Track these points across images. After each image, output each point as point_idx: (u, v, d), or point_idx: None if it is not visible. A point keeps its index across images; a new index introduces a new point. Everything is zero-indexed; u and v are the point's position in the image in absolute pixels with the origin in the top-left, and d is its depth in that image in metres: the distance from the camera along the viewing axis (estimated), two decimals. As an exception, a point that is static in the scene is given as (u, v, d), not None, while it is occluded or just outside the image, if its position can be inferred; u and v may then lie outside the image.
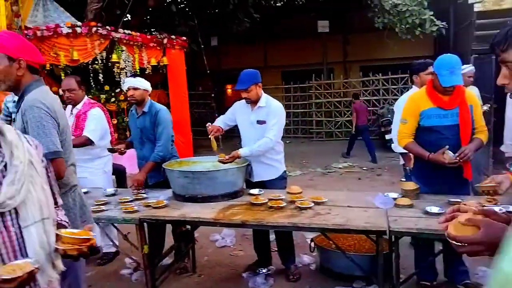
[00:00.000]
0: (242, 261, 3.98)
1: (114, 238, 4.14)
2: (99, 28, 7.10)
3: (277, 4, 14.38)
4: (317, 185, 6.66)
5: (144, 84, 3.53)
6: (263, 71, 15.15)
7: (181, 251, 3.70)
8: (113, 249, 4.13)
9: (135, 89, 3.51)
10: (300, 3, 14.75)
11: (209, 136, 3.44)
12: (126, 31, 7.50)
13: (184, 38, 8.59)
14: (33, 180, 1.36)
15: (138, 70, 7.82)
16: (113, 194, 3.53)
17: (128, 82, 3.54)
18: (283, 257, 3.62)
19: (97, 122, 3.81)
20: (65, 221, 1.60)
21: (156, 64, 8.22)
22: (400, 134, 3.15)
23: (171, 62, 8.49)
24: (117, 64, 7.52)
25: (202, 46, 9.96)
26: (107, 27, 7.21)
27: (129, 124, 3.76)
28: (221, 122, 3.63)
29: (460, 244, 1.13)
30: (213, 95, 11.97)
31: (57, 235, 1.40)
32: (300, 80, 14.74)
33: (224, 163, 3.25)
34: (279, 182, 3.48)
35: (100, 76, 7.33)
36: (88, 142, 3.74)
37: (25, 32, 6.56)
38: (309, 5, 14.62)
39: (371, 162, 9.01)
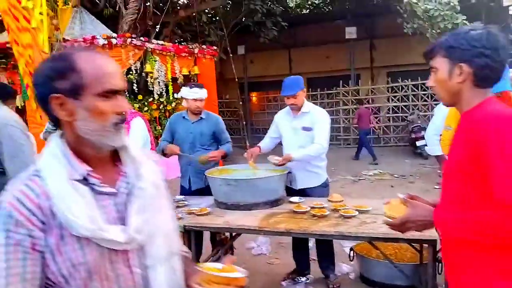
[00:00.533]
0: (279, 269, 3.98)
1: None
2: (133, 39, 7.29)
3: (303, 12, 14.49)
4: (350, 193, 6.61)
5: (205, 94, 3.66)
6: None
7: (219, 259, 3.73)
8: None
9: (202, 100, 3.62)
10: (327, 10, 14.81)
11: (249, 163, 3.48)
12: (159, 42, 7.69)
13: (215, 47, 8.73)
14: (161, 206, 1.10)
15: (170, 80, 7.99)
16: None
17: (195, 93, 3.58)
18: (323, 266, 3.60)
19: (138, 132, 3.90)
20: (185, 251, 1.26)
21: (187, 73, 8.37)
22: (443, 141, 3.11)
23: (202, 71, 8.63)
24: (151, 74, 7.69)
25: (231, 55, 10.07)
26: (141, 38, 7.40)
27: (175, 129, 3.79)
28: (268, 139, 3.71)
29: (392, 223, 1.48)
30: (240, 102, 12.07)
31: (194, 271, 1.12)
32: (327, 87, 14.69)
33: (278, 165, 3.26)
34: (322, 190, 3.48)
35: (135, 86, 7.50)
36: None
37: (64, 44, 6.80)
38: (335, 11, 14.66)
39: (373, 163, 9.76)
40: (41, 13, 5.47)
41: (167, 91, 8.09)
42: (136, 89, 7.60)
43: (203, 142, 3.69)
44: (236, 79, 10.78)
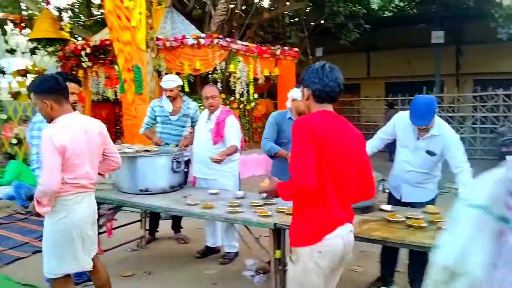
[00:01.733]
0: (362, 277, 3.88)
1: (235, 240, 4.34)
2: (220, 40, 7.54)
3: (386, 15, 14.02)
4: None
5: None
6: (365, 82, 14.82)
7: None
8: (234, 250, 4.32)
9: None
10: (411, 13, 14.20)
11: None
12: (244, 43, 7.86)
13: (296, 49, 8.73)
14: None
15: (252, 80, 8.14)
16: (243, 197, 3.70)
17: (295, 93, 3.57)
18: (414, 278, 3.45)
19: (236, 130, 4.04)
20: None
21: (268, 74, 8.48)
22: None
23: (282, 72, 8.69)
24: (234, 74, 7.90)
25: (311, 57, 10.03)
26: (227, 38, 7.62)
27: (281, 129, 3.78)
28: (378, 139, 3.49)
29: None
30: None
31: None
32: (408, 92, 14.09)
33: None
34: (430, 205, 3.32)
35: (219, 85, 7.74)
36: (237, 150, 4.01)
37: (156, 42, 7.21)
38: (421, 14, 14.01)
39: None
40: (140, 13, 5.85)
41: (247, 91, 8.25)
42: (221, 88, 7.82)
43: None
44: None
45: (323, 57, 14.69)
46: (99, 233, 3.99)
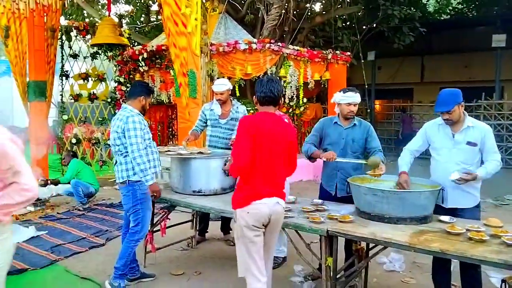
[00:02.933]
0: (415, 289, 3.75)
1: (284, 245, 4.33)
2: (271, 45, 7.58)
3: (443, 17, 13.51)
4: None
5: (359, 99, 3.65)
6: (418, 87, 14.26)
7: (353, 269, 3.64)
8: (282, 254, 4.31)
9: (355, 104, 3.63)
10: (471, 16, 13.57)
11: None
12: (295, 47, 7.85)
13: (348, 53, 8.60)
14: None
15: (302, 85, 8.11)
16: (293, 202, 3.68)
17: (349, 98, 3.58)
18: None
19: None
20: None
21: (318, 78, 8.41)
22: None
23: (333, 77, 8.59)
24: (284, 78, 7.91)
25: (363, 61, 9.84)
26: (279, 43, 7.65)
27: (326, 133, 3.79)
28: (410, 155, 3.47)
29: None
30: (368, 110, 11.70)
31: None
32: (464, 98, 13.41)
33: (459, 182, 3.06)
34: (474, 211, 3.19)
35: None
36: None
37: (210, 48, 7.37)
38: (481, 17, 13.36)
39: None
40: (196, 19, 5.99)
41: (297, 96, 8.23)
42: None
43: (354, 149, 3.67)
44: (366, 86, 10.51)
45: (375, 61, 14.42)
46: (153, 232, 4.14)
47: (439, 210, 3.22)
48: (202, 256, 4.55)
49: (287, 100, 8.14)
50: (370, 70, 14.09)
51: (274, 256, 4.27)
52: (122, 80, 8.56)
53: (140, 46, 7.98)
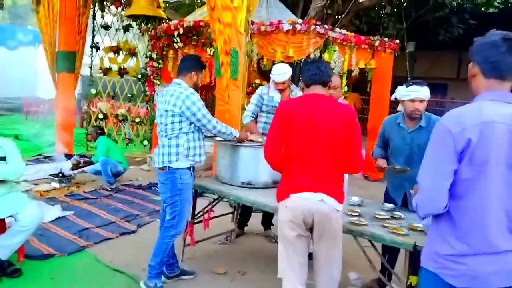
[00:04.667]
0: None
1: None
2: (317, 26, 7.02)
3: (491, 11, 12.65)
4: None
5: (428, 93, 3.05)
6: (453, 83, 13.45)
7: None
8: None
9: (422, 101, 3.01)
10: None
11: None
12: (342, 31, 7.29)
13: (397, 41, 7.99)
14: None
15: (346, 72, 7.57)
16: (360, 205, 3.23)
17: (413, 92, 2.99)
18: None
19: None
20: None
21: (363, 66, 7.84)
22: None
23: (378, 66, 8.00)
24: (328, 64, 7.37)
25: (407, 51, 9.21)
26: (325, 25, 7.10)
27: (389, 136, 3.30)
28: None
29: None
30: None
31: None
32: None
33: None
34: None
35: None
36: None
37: (251, 26, 6.85)
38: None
39: None
40: (242, -7, 5.49)
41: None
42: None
43: (422, 155, 3.11)
44: (408, 79, 9.88)
45: (413, 52, 13.70)
46: (193, 223, 3.74)
47: None
48: (243, 253, 4.14)
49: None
50: (405, 63, 13.44)
51: None
52: (154, 56, 8.12)
53: (176, 21, 7.50)
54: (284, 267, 2.49)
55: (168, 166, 3.14)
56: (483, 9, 12.15)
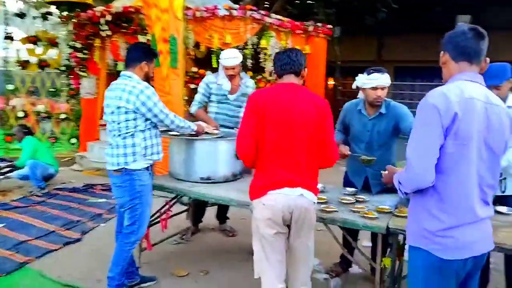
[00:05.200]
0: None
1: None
2: (254, 12, 6.91)
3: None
4: None
5: (388, 80, 3.06)
6: (376, 65, 14.17)
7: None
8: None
9: (384, 88, 3.01)
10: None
11: None
12: (278, 17, 7.25)
13: (330, 26, 8.14)
14: None
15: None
16: (323, 191, 3.21)
17: (374, 80, 2.97)
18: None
19: None
20: None
21: (299, 52, 7.89)
22: None
23: (313, 51, 8.11)
24: (265, 50, 7.31)
25: (337, 36, 9.44)
26: (261, 11, 7.00)
27: (350, 121, 3.29)
28: None
29: None
30: (339, 87, 11.41)
31: None
32: (420, 77, 13.65)
33: None
34: None
35: (250, 62, 7.14)
36: None
37: (186, 12, 6.55)
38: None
39: None
40: (177, -23, 5.20)
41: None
42: (252, 66, 7.22)
43: (381, 141, 3.14)
44: (339, 62, 10.20)
45: (340, 37, 14.14)
46: (149, 226, 3.49)
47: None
48: (202, 251, 3.97)
49: (266, 75, 7.55)
50: (333, 47, 13.83)
51: None
52: (78, 46, 7.48)
53: (102, 7, 6.93)
54: (262, 266, 2.36)
55: (125, 168, 2.86)
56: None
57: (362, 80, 3.06)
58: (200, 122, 3.44)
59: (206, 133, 3.46)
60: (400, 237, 2.59)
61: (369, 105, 3.13)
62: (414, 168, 1.74)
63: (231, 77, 3.93)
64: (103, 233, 4.31)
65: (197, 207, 4.26)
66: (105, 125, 8.02)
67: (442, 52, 1.86)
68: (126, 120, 2.81)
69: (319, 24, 7.99)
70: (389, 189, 3.18)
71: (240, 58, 3.89)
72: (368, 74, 3.04)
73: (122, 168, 2.87)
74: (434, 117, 1.68)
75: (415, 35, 14.55)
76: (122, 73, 2.95)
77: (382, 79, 2.99)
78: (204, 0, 7.07)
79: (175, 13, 5.26)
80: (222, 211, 4.44)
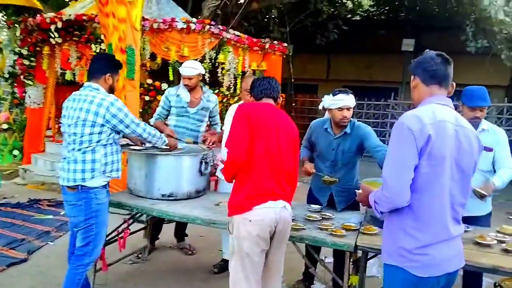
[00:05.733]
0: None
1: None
2: (212, 26, 6.91)
3: (355, 18, 14.06)
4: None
5: (353, 101, 3.14)
6: (322, 83, 14.79)
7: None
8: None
9: (349, 109, 3.08)
10: (379, 19, 14.38)
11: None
12: (236, 32, 7.29)
13: (285, 44, 8.31)
14: None
15: (241, 73, 7.60)
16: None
17: (340, 101, 3.04)
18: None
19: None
20: None
21: (256, 68, 7.98)
22: None
23: (269, 68, 8.23)
24: (223, 65, 7.30)
25: (290, 54, 9.67)
26: (219, 26, 7.01)
27: (316, 140, 3.33)
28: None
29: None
30: (294, 104, 11.60)
31: None
32: (365, 96, 14.25)
33: (482, 198, 2.84)
34: (487, 220, 3.07)
35: (207, 76, 7.09)
36: None
37: (142, 23, 6.41)
38: (388, 21, 14.24)
39: None
40: (136, -12, 5.10)
41: (234, 85, 7.70)
42: (209, 80, 7.17)
43: (346, 160, 3.20)
44: (293, 80, 10.41)
45: (293, 55, 14.50)
46: (104, 245, 3.30)
47: None
48: (161, 270, 3.82)
49: (224, 89, 7.54)
50: (287, 65, 14.15)
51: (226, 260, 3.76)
52: (24, 52, 7.06)
53: (53, 14, 6.60)
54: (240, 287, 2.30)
55: (81, 185, 2.69)
56: (348, 16, 13.48)
57: (328, 101, 3.12)
58: (171, 138, 3.35)
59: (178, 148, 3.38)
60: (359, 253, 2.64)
61: (335, 125, 3.20)
62: (391, 188, 1.78)
63: (190, 89, 3.88)
64: (51, 253, 4.03)
65: (155, 225, 4.11)
66: (51, 136, 7.62)
67: (412, 76, 1.95)
68: (91, 134, 2.66)
69: (276, 42, 8.13)
70: (352, 205, 3.28)
71: (199, 70, 3.86)
72: (333, 95, 3.11)
73: (78, 185, 2.70)
74: (408, 138, 1.74)
75: (361, 55, 15.24)
76: (86, 84, 2.80)
77: (347, 100, 3.07)
78: (161, 12, 6.97)
79: (133, 24, 5.13)
80: (181, 228, 4.31)
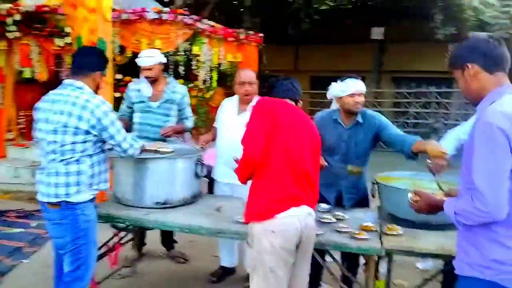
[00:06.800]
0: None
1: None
2: (185, 17, 6.53)
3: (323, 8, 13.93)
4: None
5: (364, 86, 2.91)
6: (292, 74, 14.69)
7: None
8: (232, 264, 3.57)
9: (360, 94, 2.86)
10: (347, 8, 14.32)
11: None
12: (210, 23, 6.94)
13: (261, 34, 8.03)
14: None
15: (217, 66, 7.26)
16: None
17: (351, 86, 2.82)
18: None
19: None
20: None
21: (231, 60, 7.65)
22: None
23: (245, 59, 7.92)
24: (197, 57, 6.94)
25: (264, 45, 9.40)
26: (193, 16, 6.64)
27: (322, 134, 3.07)
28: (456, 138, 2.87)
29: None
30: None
31: None
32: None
33: None
34: None
35: (181, 69, 6.71)
36: None
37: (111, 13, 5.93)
38: (356, 10, 14.22)
39: None
40: (105, -26, 4.66)
41: (210, 78, 7.34)
42: (184, 73, 6.78)
43: (359, 153, 2.98)
44: (266, 71, 10.17)
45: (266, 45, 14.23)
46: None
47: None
48: (154, 283, 3.49)
49: (200, 83, 7.16)
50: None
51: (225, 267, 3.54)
52: (-23, 49, 6.41)
53: (8, 5, 5.99)
54: None
55: (65, 201, 2.31)
56: (315, 5, 13.34)
57: (338, 88, 2.89)
58: (151, 144, 2.98)
59: (156, 151, 3.00)
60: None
61: (345, 115, 2.97)
62: (490, 202, 1.54)
63: (152, 82, 3.53)
64: (27, 272, 3.60)
65: (139, 232, 3.75)
66: (13, 139, 7.01)
67: (468, 64, 1.66)
68: (73, 143, 2.28)
69: (251, 32, 7.83)
70: (360, 202, 3.07)
71: (158, 58, 3.51)
72: (342, 81, 2.89)
73: (61, 201, 2.32)
74: (500, 139, 1.51)
75: (330, 45, 15.19)
76: (67, 82, 2.41)
77: (359, 85, 2.86)
78: (131, 2, 6.51)
79: (104, 14, 4.68)
80: (168, 235, 3.97)
